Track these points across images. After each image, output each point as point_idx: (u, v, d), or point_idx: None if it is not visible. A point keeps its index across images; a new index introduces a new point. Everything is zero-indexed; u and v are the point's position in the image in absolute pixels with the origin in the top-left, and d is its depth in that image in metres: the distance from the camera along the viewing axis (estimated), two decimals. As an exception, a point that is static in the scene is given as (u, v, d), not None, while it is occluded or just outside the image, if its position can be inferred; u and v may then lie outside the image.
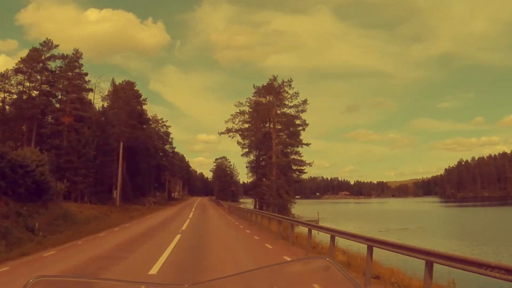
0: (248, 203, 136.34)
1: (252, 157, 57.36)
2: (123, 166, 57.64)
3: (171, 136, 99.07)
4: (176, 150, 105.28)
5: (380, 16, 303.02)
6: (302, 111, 51.29)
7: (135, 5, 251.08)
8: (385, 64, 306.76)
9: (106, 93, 58.37)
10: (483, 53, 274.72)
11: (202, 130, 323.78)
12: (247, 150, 56.56)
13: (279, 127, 51.49)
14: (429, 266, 6.37)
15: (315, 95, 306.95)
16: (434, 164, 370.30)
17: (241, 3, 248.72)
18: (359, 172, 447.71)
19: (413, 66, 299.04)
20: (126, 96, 58.91)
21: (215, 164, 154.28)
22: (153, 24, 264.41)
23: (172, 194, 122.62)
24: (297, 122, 50.84)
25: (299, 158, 52.28)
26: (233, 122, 54.93)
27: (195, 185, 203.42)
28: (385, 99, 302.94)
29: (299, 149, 51.90)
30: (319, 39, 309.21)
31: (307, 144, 51.58)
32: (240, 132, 54.68)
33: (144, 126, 76.52)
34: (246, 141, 55.68)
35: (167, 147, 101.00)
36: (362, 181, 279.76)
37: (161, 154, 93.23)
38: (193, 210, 46.70)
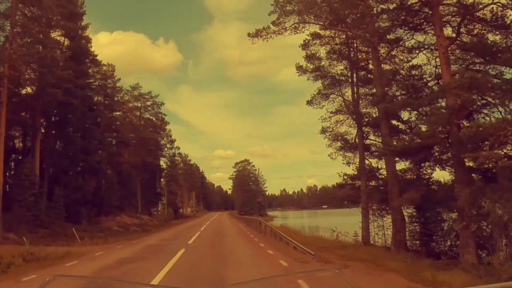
0: (277, 216, 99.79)
1: (330, 102, 23.90)
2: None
3: (165, 118, 66.40)
4: (176, 144, 71.73)
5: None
6: None
7: (146, 25, 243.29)
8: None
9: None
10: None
11: (219, 146, 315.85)
12: (321, 84, 22.73)
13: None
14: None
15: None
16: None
17: (252, 19, 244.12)
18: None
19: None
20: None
21: (235, 170, 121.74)
22: (164, 44, 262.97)
23: (181, 210, 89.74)
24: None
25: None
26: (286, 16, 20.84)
27: (213, 199, 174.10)
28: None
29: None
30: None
31: None
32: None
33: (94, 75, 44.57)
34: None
35: (163, 141, 68.04)
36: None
37: (150, 147, 60.30)
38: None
